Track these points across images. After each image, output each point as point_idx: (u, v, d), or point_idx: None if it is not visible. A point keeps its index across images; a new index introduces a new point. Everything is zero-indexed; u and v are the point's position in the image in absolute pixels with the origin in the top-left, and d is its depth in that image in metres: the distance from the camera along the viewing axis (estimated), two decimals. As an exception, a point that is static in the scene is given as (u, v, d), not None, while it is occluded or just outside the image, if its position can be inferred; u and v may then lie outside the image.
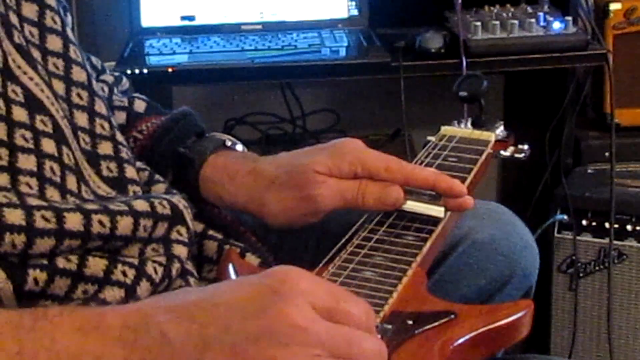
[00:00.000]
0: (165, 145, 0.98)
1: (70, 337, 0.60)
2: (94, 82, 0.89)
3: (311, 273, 0.62)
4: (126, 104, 1.03)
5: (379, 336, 0.71)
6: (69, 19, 0.95)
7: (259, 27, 1.88)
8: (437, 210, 0.90)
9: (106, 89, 1.02)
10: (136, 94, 1.06)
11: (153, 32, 1.86)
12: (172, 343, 0.59)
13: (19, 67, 0.78)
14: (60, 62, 0.85)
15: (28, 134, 0.75)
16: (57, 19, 0.87)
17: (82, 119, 0.85)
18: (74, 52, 0.88)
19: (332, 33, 1.85)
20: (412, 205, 0.90)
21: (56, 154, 0.77)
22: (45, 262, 0.72)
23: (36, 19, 0.85)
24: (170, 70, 1.69)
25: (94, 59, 1.05)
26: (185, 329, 0.59)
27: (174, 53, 1.76)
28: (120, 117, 1.01)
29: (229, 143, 1.00)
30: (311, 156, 0.92)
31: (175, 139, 0.98)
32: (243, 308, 0.59)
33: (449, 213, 0.91)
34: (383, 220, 0.90)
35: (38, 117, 0.77)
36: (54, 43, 0.86)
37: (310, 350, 0.58)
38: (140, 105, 1.03)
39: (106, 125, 0.88)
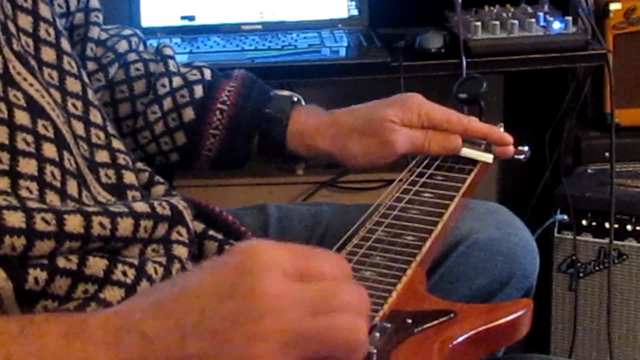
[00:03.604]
0: (250, 110, 1.10)
1: (57, 343, 0.60)
2: (89, 91, 0.90)
3: (274, 242, 0.62)
4: (199, 76, 1.11)
5: (377, 335, 0.71)
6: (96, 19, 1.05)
7: (259, 27, 1.88)
8: (487, 157, 1.06)
9: (175, 64, 1.12)
10: (197, 63, 1.15)
11: (153, 32, 1.86)
12: (152, 340, 0.59)
13: (19, 74, 0.78)
14: (54, 73, 0.86)
15: (30, 138, 0.75)
16: (51, 31, 0.87)
17: (79, 127, 0.86)
18: (68, 64, 0.88)
19: (332, 33, 1.85)
20: (467, 152, 1.06)
21: (57, 159, 0.77)
22: (45, 261, 0.72)
23: (31, 30, 0.85)
24: (170, 70, 1.69)
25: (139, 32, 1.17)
26: (162, 323, 0.59)
27: (174, 53, 1.76)
28: (198, 90, 1.09)
29: (295, 99, 1.12)
30: (384, 108, 1.07)
31: (257, 102, 1.10)
32: (214, 292, 0.59)
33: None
34: (382, 220, 0.90)
35: (40, 122, 0.77)
36: (48, 54, 0.86)
37: (289, 316, 0.58)
38: (207, 74, 1.12)
39: (101, 134, 0.89)
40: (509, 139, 1.08)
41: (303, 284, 0.60)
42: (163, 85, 1.08)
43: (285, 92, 1.13)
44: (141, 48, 1.14)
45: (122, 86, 1.08)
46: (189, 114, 1.08)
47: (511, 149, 1.08)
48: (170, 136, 1.09)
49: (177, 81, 1.09)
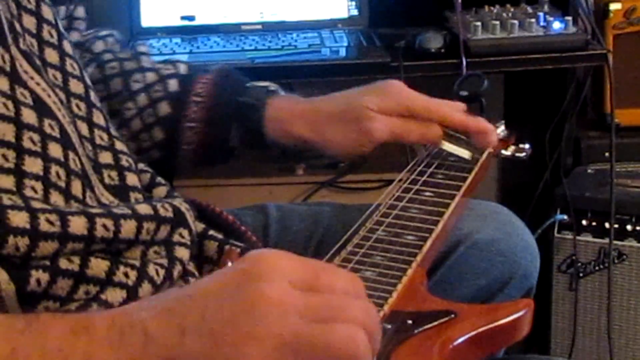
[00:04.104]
0: (225, 100, 1.08)
1: (63, 338, 0.60)
2: (91, 93, 0.90)
3: (287, 252, 0.63)
4: (174, 70, 1.10)
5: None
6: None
7: (259, 27, 1.88)
8: (464, 152, 1.04)
9: (148, 60, 1.11)
10: (173, 58, 1.15)
11: (153, 32, 1.86)
12: (154, 337, 0.60)
13: (26, 72, 0.78)
14: (58, 74, 0.86)
15: (36, 137, 0.75)
16: (53, 32, 0.87)
17: (83, 128, 0.86)
18: (70, 66, 0.88)
19: (332, 33, 1.85)
20: (448, 146, 1.04)
21: (62, 159, 0.77)
22: (47, 263, 0.72)
23: (35, 31, 0.85)
24: (170, 70, 1.69)
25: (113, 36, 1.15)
26: (164, 322, 0.60)
27: (174, 53, 1.76)
28: (173, 84, 1.08)
29: (272, 88, 1.10)
30: (363, 95, 1.06)
31: (232, 92, 1.09)
32: (218, 294, 0.60)
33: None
34: (383, 220, 0.90)
35: (46, 121, 0.77)
36: (51, 56, 0.86)
37: (287, 320, 0.59)
38: (182, 68, 1.11)
39: (105, 136, 0.89)
40: (488, 127, 1.05)
41: (308, 293, 0.60)
42: (136, 82, 1.08)
43: (263, 83, 1.11)
44: (117, 48, 1.14)
45: (99, 86, 1.07)
46: (164, 108, 1.07)
47: (493, 138, 1.05)
48: (148, 132, 1.08)
49: (150, 76, 1.09)
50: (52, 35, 0.87)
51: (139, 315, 0.61)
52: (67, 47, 0.89)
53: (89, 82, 0.91)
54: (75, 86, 0.87)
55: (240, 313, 0.59)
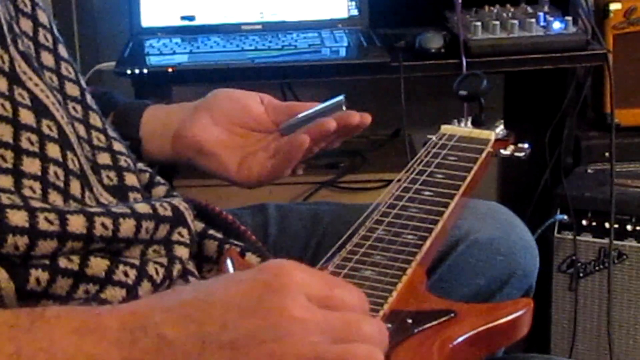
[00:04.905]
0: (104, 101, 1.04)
1: (68, 339, 0.60)
2: (87, 96, 0.90)
3: (304, 265, 0.63)
4: None
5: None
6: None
7: (259, 27, 1.88)
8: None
9: None
10: None
11: (153, 32, 1.86)
12: (171, 344, 0.59)
13: (25, 73, 0.78)
14: (54, 77, 0.86)
15: (34, 138, 0.75)
16: (49, 36, 0.88)
17: (80, 129, 0.86)
18: (65, 69, 0.88)
19: (332, 33, 1.85)
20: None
21: (60, 159, 0.77)
22: (47, 262, 0.72)
23: (31, 34, 0.85)
24: (170, 70, 1.69)
25: None
26: (183, 329, 0.59)
27: (174, 53, 1.77)
28: None
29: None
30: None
31: (110, 100, 1.07)
32: (239, 305, 0.60)
33: None
34: (382, 219, 0.90)
35: (44, 122, 0.77)
36: (47, 59, 0.86)
37: (310, 339, 0.59)
38: None
39: (102, 137, 0.89)
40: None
41: (326, 310, 0.61)
42: None
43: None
44: None
45: None
46: None
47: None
48: None
49: None
50: (47, 39, 0.87)
51: (152, 319, 0.60)
52: (62, 51, 0.89)
53: (84, 85, 0.91)
54: (71, 89, 0.88)
55: (263, 328, 0.59)
